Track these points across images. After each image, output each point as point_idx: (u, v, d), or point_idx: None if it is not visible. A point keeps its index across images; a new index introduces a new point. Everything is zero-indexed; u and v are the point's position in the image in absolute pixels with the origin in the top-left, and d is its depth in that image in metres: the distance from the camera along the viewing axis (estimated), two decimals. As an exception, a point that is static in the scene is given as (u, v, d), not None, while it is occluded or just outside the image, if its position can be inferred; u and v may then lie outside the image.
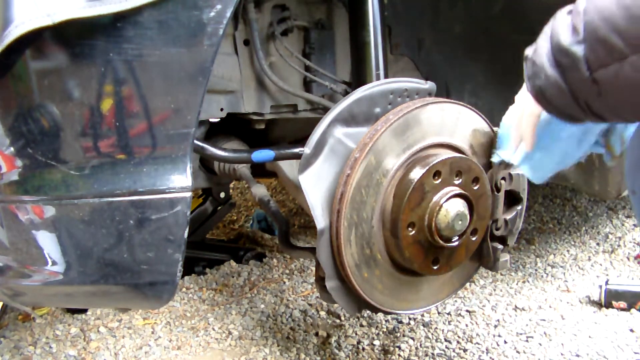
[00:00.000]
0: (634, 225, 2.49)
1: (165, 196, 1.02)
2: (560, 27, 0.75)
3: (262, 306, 1.89)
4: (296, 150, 1.45)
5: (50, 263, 1.04)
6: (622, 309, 1.80)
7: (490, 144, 1.26)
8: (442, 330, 1.70)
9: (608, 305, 1.82)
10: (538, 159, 1.10)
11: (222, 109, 1.55)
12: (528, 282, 2.06)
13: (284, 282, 2.07)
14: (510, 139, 1.13)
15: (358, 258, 1.15)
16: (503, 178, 1.24)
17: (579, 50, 0.72)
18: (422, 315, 1.78)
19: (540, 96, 0.82)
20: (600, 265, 2.18)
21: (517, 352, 1.59)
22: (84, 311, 1.84)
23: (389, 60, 1.48)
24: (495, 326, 1.73)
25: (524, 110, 0.97)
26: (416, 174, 1.13)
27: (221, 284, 2.08)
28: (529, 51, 0.83)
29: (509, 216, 1.27)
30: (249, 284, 2.07)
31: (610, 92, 0.73)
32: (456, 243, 1.18)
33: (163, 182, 1.02)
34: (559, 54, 0.75)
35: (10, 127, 0.99)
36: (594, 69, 0.72)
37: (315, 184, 1.13)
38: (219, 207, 2.31)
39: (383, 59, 1.42)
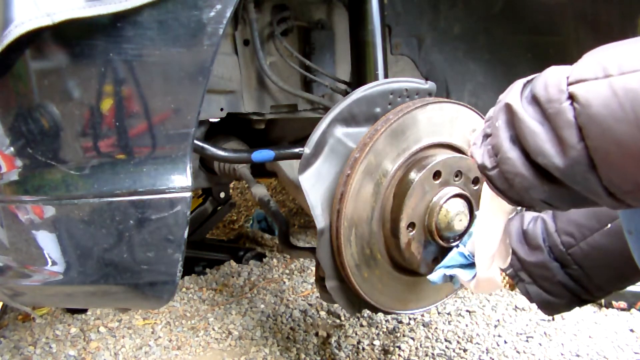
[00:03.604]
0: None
1: (165, 196, 1.02)
2: (539, 140, 0.60)
3: (262, 306, 1.89)
4: (296, 150, 1.45)
5: (50, 263, 1.04)
6: (622, 309, 1.80)
7: None
8: (442, 330, 1.70)
9: (608, 305, 1.82)
10: None
11: (222, 109, 1.55)
12: (528, 282, 2.05)
13: (284, 282, 2.07)
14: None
15: (358, 258, 1.15)
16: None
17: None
18: (422, 315, 1.78)
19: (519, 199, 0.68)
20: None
21: (517, 352, 1.59)
22: (84, 311, 1.84)
23: (389, 60, 1.48)
24: (495, 326, 1.73)
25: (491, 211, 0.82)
26: (416, 174, 1.13)
27: (221, 284, 2.08)
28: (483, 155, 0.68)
29: (509, 216, 1.27)
30: (249, 284, 2.07)
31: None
32: (456, 243, 1.18)
33: (163, 182, 1.02)
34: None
35: (10, 127, 0.99)
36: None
37: (315, 184, 1.13)
38: (219, 207, 2.31)
39: (383, 59, 1.41)
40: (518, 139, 0.63)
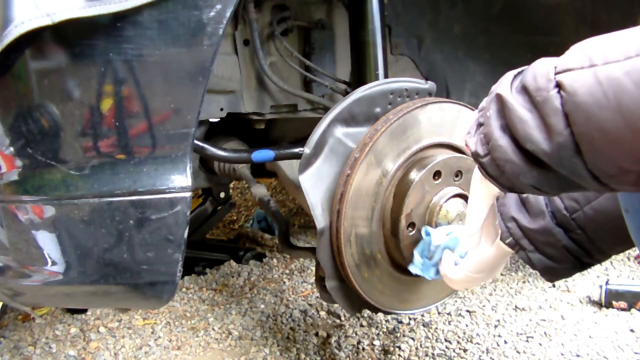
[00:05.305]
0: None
1: (165, 196, 1.02)
2: (528, 127, 0.61)
3: (262, 306, 1.89)
4: (296, 150, 1.45)
5: (50, 263, 1.04)
6: (623, 309, 1.80)
7: None
8: (442, 330, 1.70)
9: (608, 305, 1.82)
10: None
11: (222, 109, 1.55)
12: (528, 282, 2.05)
13: (284, 282, 2.07)
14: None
15: (358, 258, 1.15)
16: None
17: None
18: (422, 315, 1.78)
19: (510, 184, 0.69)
20: (601, 265, 2.18)
21: (517, 352, 1.59)
22: (84, 311, 1.84)
23: (389, 60, 1.48)
24: (496, 326, 1.72)
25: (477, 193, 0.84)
26: (416, 174, 1.13)
27: (221, 284, 2.08)
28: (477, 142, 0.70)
29: (509, 216, 1.27)
30: (249, 284, 2.07)
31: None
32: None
33: (163, 182, 1.02)
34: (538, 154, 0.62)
35: (10, 127, 0.99)
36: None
37: (315, 184, 1.13)
38: (219, 207, 2.31)
39: (383, 59, 1.42)
40: (508, 127, 0.65)
